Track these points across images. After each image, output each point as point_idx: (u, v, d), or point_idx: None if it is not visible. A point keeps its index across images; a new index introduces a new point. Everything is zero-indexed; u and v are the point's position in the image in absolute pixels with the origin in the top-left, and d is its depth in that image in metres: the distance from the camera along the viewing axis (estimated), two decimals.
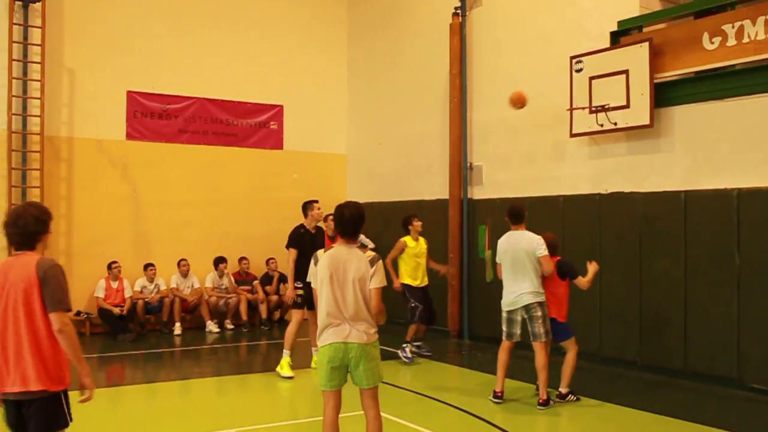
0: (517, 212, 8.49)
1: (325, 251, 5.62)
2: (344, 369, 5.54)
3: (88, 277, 13.56)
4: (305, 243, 9.85)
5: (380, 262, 5.59)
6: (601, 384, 9.50)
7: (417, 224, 10.94)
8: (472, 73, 13.13)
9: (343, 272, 5.46)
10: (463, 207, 13.09)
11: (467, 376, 10.30)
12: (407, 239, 10.90)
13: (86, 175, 13.78)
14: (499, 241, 8.53)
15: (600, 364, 10.47)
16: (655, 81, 9.77)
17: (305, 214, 10.27)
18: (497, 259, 8.56)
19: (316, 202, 10.43)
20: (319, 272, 5.56)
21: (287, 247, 10.07)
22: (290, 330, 9.91)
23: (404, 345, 10.79)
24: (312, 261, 5.68)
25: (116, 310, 13.17)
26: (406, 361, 10.66)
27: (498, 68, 12.65)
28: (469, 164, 13.08)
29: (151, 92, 14.46)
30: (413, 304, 10.79)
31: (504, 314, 8.43)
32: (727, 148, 9.28)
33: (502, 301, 8.45)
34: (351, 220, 5.58)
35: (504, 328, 8.47)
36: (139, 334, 13.34)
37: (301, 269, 9.34)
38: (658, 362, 9.90)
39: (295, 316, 10.05)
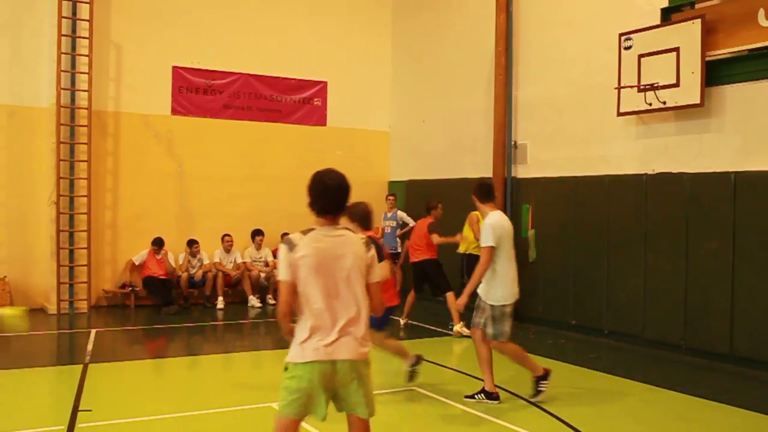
0: (491, 188, 7.74)
1: (303, 233, 4.26)
2: (326, 395, 4.15)
3: (132, 250, 13.78)
4: None
5: (375, 245, 4.51)
6: (645, 367, 9.39)
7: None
8: (518, 50, 12.94)
9: (334, 261, 4.18)
10: (506, 186, 12.97)
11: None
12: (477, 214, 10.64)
13: (132, 149, 13.95)
14: (496, 221, 7.38)
15: (643, 346, 10.35)
16: (707, 59, 9.52)
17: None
18: (493, 242, 7.24)
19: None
20: (299, 262, 4.15)
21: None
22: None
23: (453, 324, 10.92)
24: (284, 247, 4.23)
25: (160, 273, 13.51)
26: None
27: (545, 46, 12.45)
28: (513, 142, 12.93)
29: (196, 68, 14.55)
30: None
31: (508, 308, 7.40)
32: None
33: (504, 294, 7.34)
34: (338, 191, 4.33)
35: (507, 327, 7.39)
36: (182, 308, 13.52)
37: None
38: (703, 346, 9.73)
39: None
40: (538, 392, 7.54)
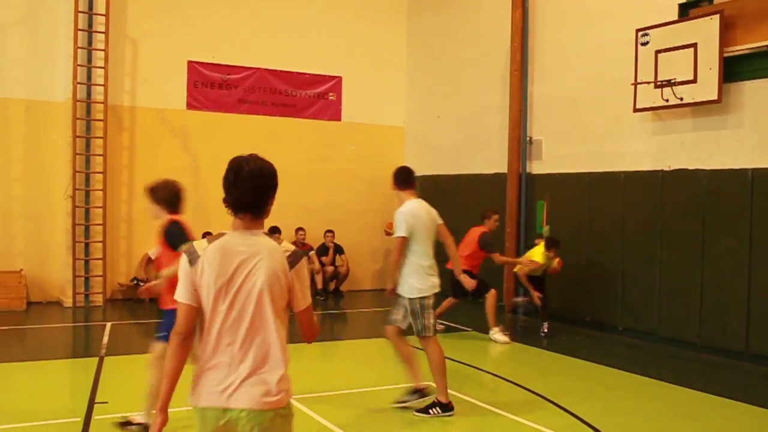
0: (410, 174, 7.24)
1: (209, 241, 3.33)
2: None
3: (147, 244, 13.82)
4: None
5: (305, 260, 3.40)
6: (659, 364, 9.34)
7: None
8: (534, 45, 12.89)
9: (244, 279, 3.23)
10: (521, 182, 12.93)
11: (521, 352, 10.22)
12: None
13: (147, 144, 14.00)
14: (409, 210, 7.01)
15: (658, 343, 10.31)
16: (725, 55, 9.44)
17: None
18: (405, 233, 6.86)
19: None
20: (201, 279, 3.25)
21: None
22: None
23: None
24: (184, 258, 3.31)
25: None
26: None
27: (560, 41, 12.39)
28: (528, 138, 12.89)
29: (211, 62, 14.58)
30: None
31: (427, 300, 6.88)
32: None
33: (420, 285, 6.87)
34: (256, 181, 3.36)
35: (429, 321, 6.88)
36: None
37: None
38: (719, 343, 9.68)
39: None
40: (403, 402, 7.05)
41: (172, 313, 5.58)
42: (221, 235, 3.35)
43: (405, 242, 6.85)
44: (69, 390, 8.18)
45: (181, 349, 3.29)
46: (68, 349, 10.55)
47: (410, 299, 6.87)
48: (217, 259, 3.24)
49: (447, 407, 6.87)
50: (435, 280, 6.99)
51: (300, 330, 3.46)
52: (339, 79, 15.85)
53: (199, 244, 3.32)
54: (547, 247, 10.77)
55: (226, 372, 3.22)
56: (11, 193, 13.18)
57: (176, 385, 3.30)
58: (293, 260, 3.31)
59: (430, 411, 6.85)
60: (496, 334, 10.46)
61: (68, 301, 13.01)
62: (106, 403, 6.99)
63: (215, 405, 3.21)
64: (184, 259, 3.30)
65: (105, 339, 10.32)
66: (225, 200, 3.35)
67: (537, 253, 10.90)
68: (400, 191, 7.12)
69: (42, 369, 8.69)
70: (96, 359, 8.93)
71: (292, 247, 3.37)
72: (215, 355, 3.24)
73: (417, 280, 6.87)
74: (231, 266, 3.23)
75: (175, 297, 3.31)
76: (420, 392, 7.03)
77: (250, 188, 3.32)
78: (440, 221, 7.30)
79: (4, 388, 7.76)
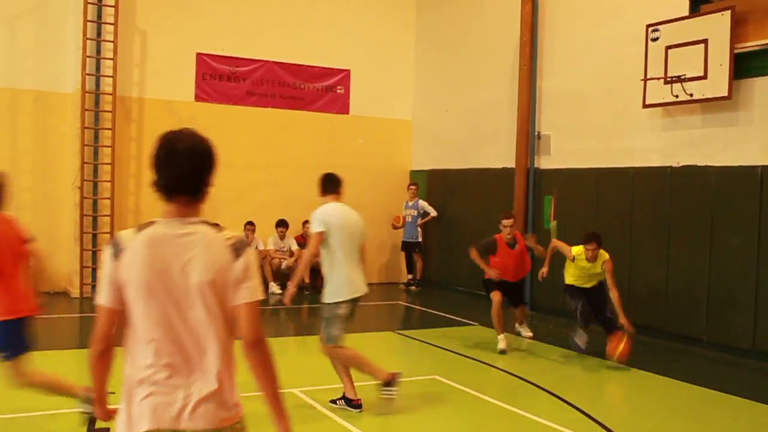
0: (334, 180, 7.20)
1: (139, 229, 2.83)
2: None
3: None
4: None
5: (250, 250, 2.91)
6: (665, 360, 9.33)
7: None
8: (543, 40, 12.85)
9: (179, 273, 2.75)
10: (529, 176, 12.91)
11: (531, 347, 10.23)
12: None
13: (155, 135, 13.48)
14: (326, 210, 6.90)
15: (664, 339, 10.29)
16: (736, 51, 9.39)
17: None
18: (322, 228, 6.71)
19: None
20: (126, 276, 2.77)
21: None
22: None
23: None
24: (107, 251, 2.85)
25: None
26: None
27: (570, 36, 12.35)
28: (537, 133, 12.86)
29: (220, 54, 14.58)
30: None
31: (339, 310, 6.75)
32: None
33: (335, 290, 6.74)
34: (189, 159, 2.84)
35: (336, 331, 6.75)
36: None
37: None
38: (726, 341, 9.66)
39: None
40: (384, 399, 6.86)
41: (4, 326, 5.49)
42: (151, 223, 2.83)
43: (320, 238, 6.70)
44: (76, 380, 8.19)
45: (102, 362, 2.91)
46: (75, 340, 10.57)
47: (323, 304, 6.82)
48: (146, 251, 2.74)
49: (353, 404, 6.84)
50: (354, 288, 6.83)
51: (239, 329, 2.84)
52: (347, 72, 15.83)
53: (126, 235, 2.82)
54: (586, 241, 9.14)
55: (167, 388, 2.74)
56: (19, 183, 13.11)
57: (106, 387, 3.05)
58: (238, 248, 2.83)
59: (338, 402, 6.91)
60: (502, 342, 9.60)
61: (75, 292, 13.06)
62: (113, 393, 7.00)
63: (161, 428, 2.72)
64: (107, 252, 2.83)
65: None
66: (155, 182, 2.84)
67: (575, 248, 9.40)
68: (323, 197, 7.10)
69: (49, 359, 8.68)
70: None
71: (237, 234, 2.90)
72: (149, 368, 2.76)
73: (334, 285, 6.77)
74: (162, 260, 2.73)
75: (96, 300, 2.87)
76: (391, 381, 6.81)
77: (186, 167, 2.81)
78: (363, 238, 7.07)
79: None
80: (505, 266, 9.76)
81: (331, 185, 7.12)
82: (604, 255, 9.14)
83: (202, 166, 2.86)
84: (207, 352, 2.78)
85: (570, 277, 9.47)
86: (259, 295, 2.86)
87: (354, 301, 6.85)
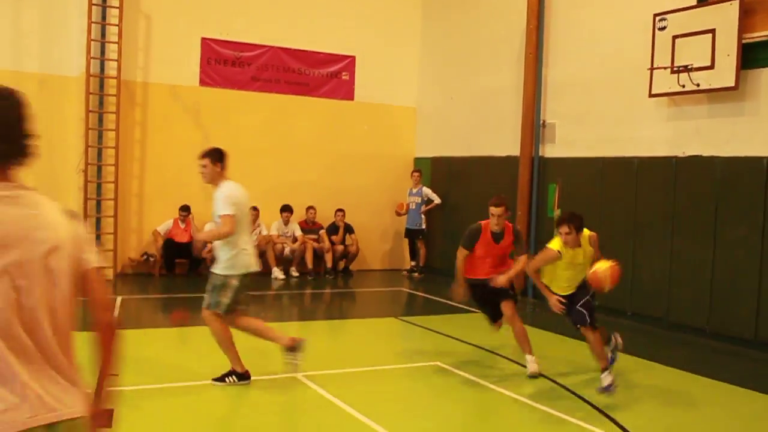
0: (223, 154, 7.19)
1: None
2: None
3: (159, 219, 13.89)
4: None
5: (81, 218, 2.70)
6: (667, 350, 9.35)
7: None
8: (550, 28, 12.80)
9: (21, 243, 2.39)
10: (533, 165, 12.89)
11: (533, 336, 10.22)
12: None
13: (160, 119, 14.01)
14: (236, 192, 7.07)
15: (666, 329, 10.30)
16: (743, 41, 9.35)
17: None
18: (232, 211, 6.86)
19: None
20: None
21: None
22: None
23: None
24: None
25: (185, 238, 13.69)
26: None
27: (577, 24, 12.29)
28: (542, 121, 12.83)
29: (224, 39, 14.54)
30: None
31: (233, 279, 6.93)
32: None
33: (241, 262, 6.96)
34: (8, 116, 2.46)
35: (224, 299, 6.93)
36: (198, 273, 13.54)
37: None
38: (728, 331, 9.66)
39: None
40: (289, 365, 7.04)
41: None
42: None
43: (234, 221, 6.85)
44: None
45: None
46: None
47: (216, 274, 6.96)
48: None
49: (243, 376, 6.99)
50: (248, 260, 7.04)
51: (92, 302, 2.70)
52: (352, 58, 15.78)
53: None
54: (558, 223, 7.59)
55: (21, 390, 2.39)
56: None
57: None
58: (71, 214, 2.55)
59: (227, 379, 6.98)
60: (533, 365, 7.88)
61: None
62: (116, 375, 7.02)
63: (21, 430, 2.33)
64: None
65: (115, 313, 10.35)
66: None
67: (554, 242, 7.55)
68: (221, 171, 7.13)
69: None
70: None
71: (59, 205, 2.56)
72: None
73: (230, 258, 6.93)
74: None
75: None
76: (295, 347, 7.02)
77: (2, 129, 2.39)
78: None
79: None
80: (483, 262, 7.95)
81: (226, 161, 7.20)
82: (586, 231, 7.55)
83: (17, 123, 2.49)
84: (63, 333, 2.68)
85: (557, 282, 7.65)
86: (101, 261, 2.67)
87: (247, 276, 7.02)
